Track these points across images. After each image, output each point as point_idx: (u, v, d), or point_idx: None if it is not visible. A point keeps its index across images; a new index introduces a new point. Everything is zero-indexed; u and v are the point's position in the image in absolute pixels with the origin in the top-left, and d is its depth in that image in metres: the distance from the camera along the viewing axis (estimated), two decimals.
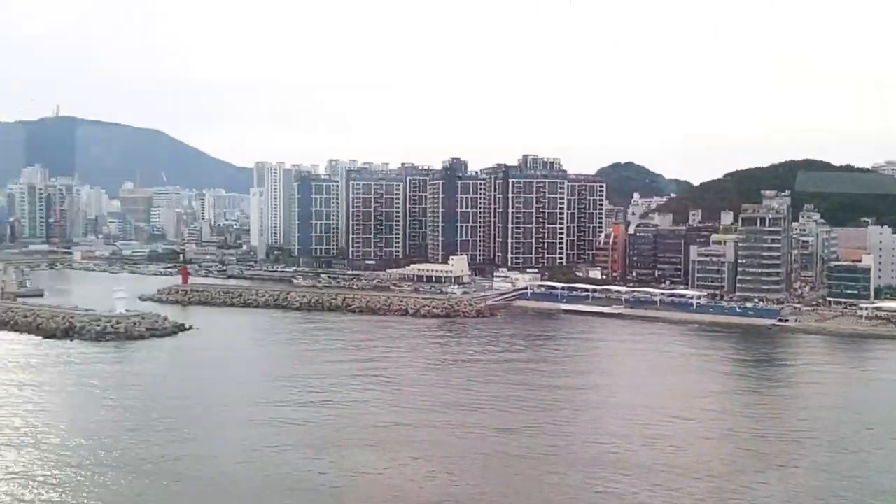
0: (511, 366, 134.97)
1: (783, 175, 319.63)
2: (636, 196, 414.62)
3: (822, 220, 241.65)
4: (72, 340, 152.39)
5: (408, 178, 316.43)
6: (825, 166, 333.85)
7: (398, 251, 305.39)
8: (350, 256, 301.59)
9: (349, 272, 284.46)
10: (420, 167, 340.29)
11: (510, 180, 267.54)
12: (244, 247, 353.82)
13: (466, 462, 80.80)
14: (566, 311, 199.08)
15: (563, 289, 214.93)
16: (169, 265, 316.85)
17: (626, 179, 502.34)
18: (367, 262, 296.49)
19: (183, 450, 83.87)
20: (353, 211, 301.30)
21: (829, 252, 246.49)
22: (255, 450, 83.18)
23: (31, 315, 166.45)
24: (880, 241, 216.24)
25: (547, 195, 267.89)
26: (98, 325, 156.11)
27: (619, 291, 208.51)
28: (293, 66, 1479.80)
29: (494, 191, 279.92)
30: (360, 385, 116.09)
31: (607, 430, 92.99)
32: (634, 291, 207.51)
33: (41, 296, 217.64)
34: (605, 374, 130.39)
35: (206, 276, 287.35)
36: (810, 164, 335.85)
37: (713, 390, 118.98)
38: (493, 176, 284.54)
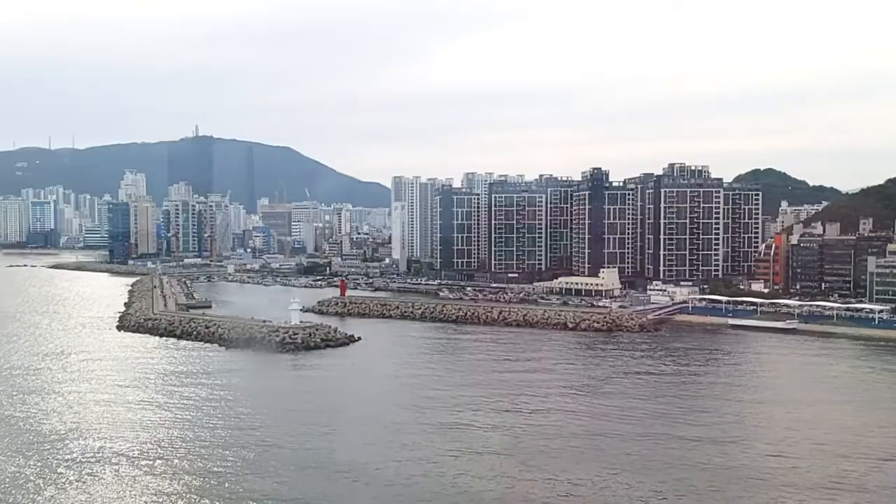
0: (699, 379, 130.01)
1: None
2: (784, 204, 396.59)
3: None
4: (253, 351, 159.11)
5: (549, 190, 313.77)
6: None
7: (540, 264, 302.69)
8: (492, 269, 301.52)
9: (493, 285, 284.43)
10: (560, 178, 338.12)
11: (662, 190, 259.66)
12: (386, 259, 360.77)
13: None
14: (734, 327, 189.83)
15: (727, 303, 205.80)
16: (318, 277, 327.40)
17: (767, 187, 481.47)
18: (510, 274, 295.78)
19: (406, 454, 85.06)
20: (495, 224, 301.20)
21: None
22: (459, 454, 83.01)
23: (212, 326, 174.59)
24: None
25: (701, 205, 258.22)
26: (277, 336, 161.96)
27: (789, 305, 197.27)
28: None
29: (643, 201, 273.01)
30: (545, 395, 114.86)
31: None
32: (807, 305, 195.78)
33: (209, 307, 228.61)
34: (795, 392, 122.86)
35: (355, 289, 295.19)
36: None
37: None
38: (640, 186, 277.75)
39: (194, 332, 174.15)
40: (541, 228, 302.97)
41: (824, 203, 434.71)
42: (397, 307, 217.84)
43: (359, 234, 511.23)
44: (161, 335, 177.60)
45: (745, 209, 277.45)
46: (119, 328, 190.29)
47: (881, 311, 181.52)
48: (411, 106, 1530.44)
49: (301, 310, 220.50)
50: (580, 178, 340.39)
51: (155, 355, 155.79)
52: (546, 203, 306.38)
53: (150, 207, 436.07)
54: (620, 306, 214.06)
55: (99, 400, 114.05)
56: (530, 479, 78.55)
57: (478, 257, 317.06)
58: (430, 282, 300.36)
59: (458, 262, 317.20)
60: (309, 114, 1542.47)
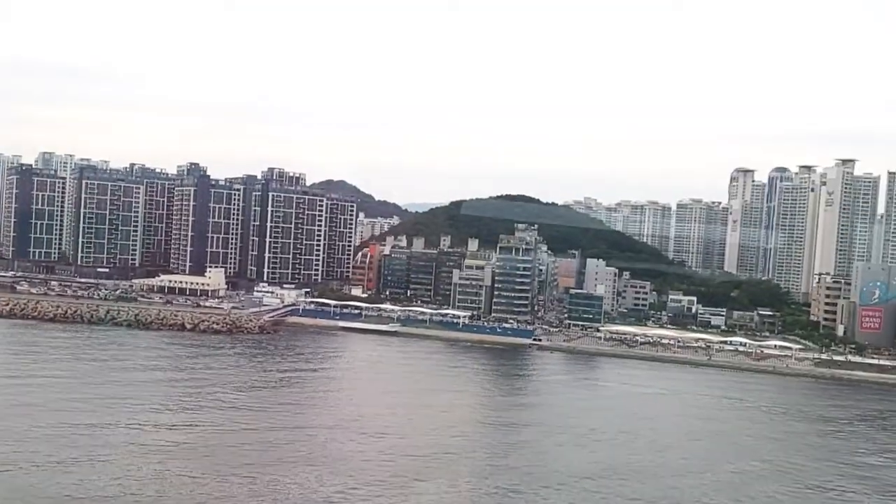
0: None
1: (501, 206, 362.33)
2: (361, 216, 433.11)
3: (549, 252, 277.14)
4: None
5: (146, 182, 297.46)
6: (533, 200, 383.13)
7: (134, 259, 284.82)
8: (78, 262, 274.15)
9: (80, 280, 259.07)
10: (157, 170, 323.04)
11: (270, 193, 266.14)
12: None
13: None
14: (344, 329, 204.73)
15: (335, 306, 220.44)
16: None
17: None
18: (99, 269, 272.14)
19: None
20: (84, 213, 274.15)
21: (552, 279, 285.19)
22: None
23: None
24: (596, 272, 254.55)
25: (306, 211, 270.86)
26: None
27: (391, 310, 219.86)
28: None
29: (247, 202, 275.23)
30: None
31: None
32: (406, 310, 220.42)
33: None
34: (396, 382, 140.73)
35: None
36: (522, 199, 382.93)
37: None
38: (245, 187, 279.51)
39: None
40: (136, 221, 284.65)
41: (395, 217, 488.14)
42: None
43: None
44: None
45: (341, 218, 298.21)
46: None
47: (464, 317, 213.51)
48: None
49: None
50: (176, 172, 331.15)
51: None
52: (143, 195, 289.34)
53: None
54: (234, 307, 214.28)
55: None
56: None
57: (59, 248, 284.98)
58: (4, 273, 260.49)
59: (35, 251, 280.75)
60: None
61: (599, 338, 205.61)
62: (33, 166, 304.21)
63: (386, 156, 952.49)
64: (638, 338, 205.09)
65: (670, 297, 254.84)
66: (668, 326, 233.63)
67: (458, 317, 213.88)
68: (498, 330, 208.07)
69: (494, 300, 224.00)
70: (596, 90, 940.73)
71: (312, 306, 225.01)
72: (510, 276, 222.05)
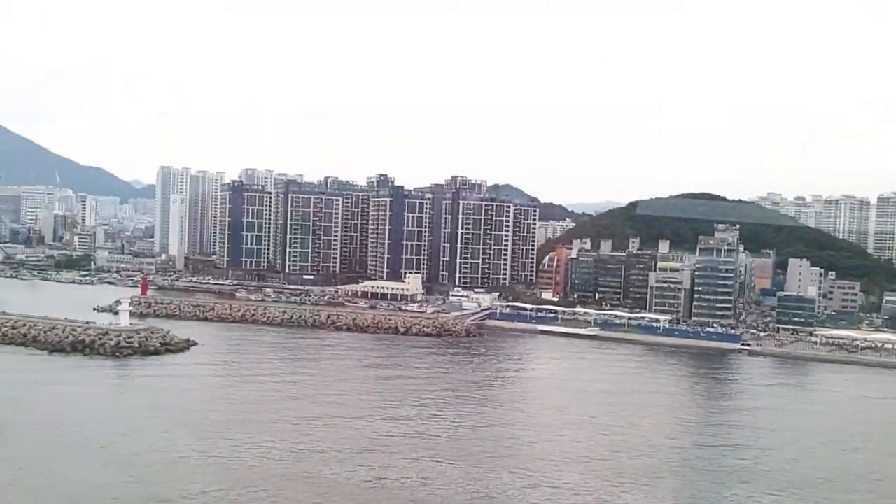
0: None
1: (682, 205, 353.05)
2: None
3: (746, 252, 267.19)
4: (85, 355, 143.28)
5: (345, 194, 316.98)
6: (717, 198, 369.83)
7: (335, 266, 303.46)
8: (286, 270, 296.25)
9: (288, 286, 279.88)
10: (352, 183, 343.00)
11: (461, 201, 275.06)
12: (163, 255, 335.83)
13: None
14: (542, 332, 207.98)
15: (531, 310, 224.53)
16: (83, 273, 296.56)
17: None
18: (305, 276, 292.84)
19: None
20: (291, 224, 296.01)
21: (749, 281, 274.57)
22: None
23: (22, 327, 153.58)
24: (799, 273, 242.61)
25: (494, 217, 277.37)
26: (110, 339, 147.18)
27: (586, 313, 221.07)
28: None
29: (436, 210, 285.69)
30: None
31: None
32: (603, 314, 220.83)
33: None
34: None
35: (135, 287, 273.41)
36: (705, 196, 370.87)
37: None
38: (435, 195, 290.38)
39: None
40: (336, 231, 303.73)
41: (567, 220, 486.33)
42: (212, 308, 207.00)
43: (104, 223, 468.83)
44: None
45: (524, 223, 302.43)
46: None
47: (664, 321, 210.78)
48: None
49: (96, 310, 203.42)
50: (366, 183, 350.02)
51: None
52: (341, 206, 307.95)
53: None
54: (436, 311, 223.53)
55: None
56: None
57: (268, 257, 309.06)
58: (221, 281, 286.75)
59: (246, 261, 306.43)
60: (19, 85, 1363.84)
61: (814, 342, 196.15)
62: (243, 182, 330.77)
63: (542, 158, 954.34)
64: (857, 342, 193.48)
65: (885, 297, 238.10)
66: (885, 330, 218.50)
67: (658, 320, 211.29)
68: (702, 334, 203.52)
69: (695, 303, 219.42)
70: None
71: (508, 310, 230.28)
72: (711, 278, 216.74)
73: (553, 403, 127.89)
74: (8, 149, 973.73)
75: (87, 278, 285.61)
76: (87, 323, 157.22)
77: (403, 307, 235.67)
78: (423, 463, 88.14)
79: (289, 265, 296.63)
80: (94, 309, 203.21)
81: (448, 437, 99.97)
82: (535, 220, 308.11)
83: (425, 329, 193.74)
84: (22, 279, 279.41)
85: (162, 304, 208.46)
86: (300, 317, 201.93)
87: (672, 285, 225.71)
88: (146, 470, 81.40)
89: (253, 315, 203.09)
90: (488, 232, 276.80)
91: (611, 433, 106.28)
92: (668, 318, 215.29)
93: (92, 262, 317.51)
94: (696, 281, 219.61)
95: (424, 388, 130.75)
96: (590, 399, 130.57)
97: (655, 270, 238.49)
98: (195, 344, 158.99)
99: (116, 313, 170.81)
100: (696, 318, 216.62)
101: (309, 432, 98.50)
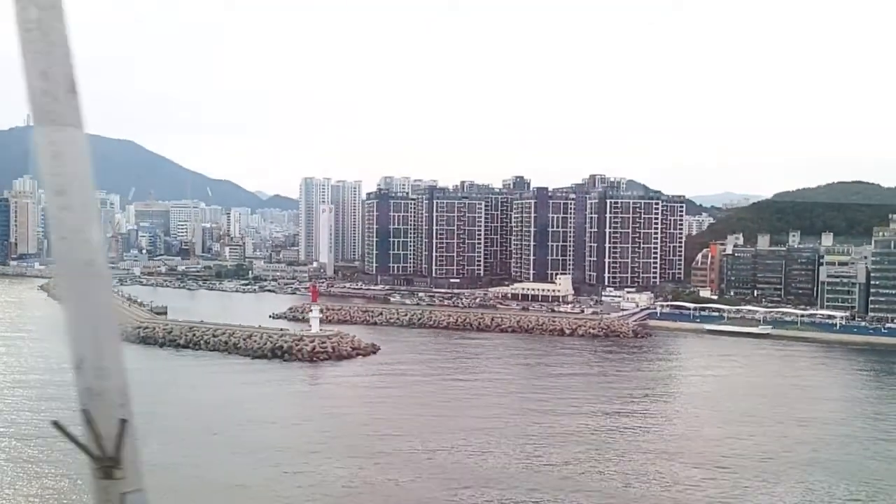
0: None
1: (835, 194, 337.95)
2: None
3: None
4: (284, 360, 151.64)
5: (487, 197, 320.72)
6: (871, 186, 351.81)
7: (479, 269, 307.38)
8: (433, 274, 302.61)
9: (435, 290, 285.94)
10: (489, 186, 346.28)
11: (608, 200, 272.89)
12: (314, 263, 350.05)
13: None
14: (710, 332, 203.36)
15: (694, 308, 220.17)
16: (243, 282, 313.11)
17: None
18: (451, 280, 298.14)
19: None
20: (436, 229, 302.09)
21: None
22: None
23: (222, 335, 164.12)
24: None
25: (643, 215, 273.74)
26: (305, 345, 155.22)
27: (754, 311, 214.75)
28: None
29: (581, 209, 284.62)
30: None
31: None
32: (771, 311, 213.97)
33: (165, 312, 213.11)
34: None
35: (294, 293, 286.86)
36: (858, 185, 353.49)
37: None
38: (578, 195, 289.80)
39: (201, 342, 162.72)
40: (479, 235, 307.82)
41: (704, 214, 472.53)
42: (381, 313, 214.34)
43: (246, 233, 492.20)
44: (160, 345, 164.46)
45: (671, 220, 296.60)
46: None
47: (840, 318, 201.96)
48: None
49: (271, 317, 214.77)
50: (502, 186, 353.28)
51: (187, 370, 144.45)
52: (483, 210, 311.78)
53: (32, 204, 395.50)
54: (594, 312, 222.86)
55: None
56: None
57: (414, 262, 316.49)
58: (373, 287, 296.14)
59: (394, 266, 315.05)
60: (154, 107, 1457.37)
61: None
62: (387, 190, 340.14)
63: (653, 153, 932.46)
64: None
65: None
66: None
67: (833, 317, 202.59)
68: (883, 330, 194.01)
69: (871, 298, 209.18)
70: None
71: (668, 309, 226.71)
72: (891, 270, 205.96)
73: (770, 403, 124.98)
74: (144, 164, 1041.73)
75: (248, 287, 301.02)
76: (281, 330, 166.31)
77: (556, 308, 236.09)
78: (662, 465, 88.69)
79: (435, 269, 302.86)
80: (270, 316, 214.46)
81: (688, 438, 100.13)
82: (681, 216, 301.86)
83: (591, 330, 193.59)
84: (188, 289, 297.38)
85: (333, 310, 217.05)
86: (464, 320, 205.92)
87: (845, 279, 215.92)
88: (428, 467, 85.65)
89: (420, 319, 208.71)
90: (637, 230, 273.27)
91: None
92: (843, 314, 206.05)
93: (249, 272, 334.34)
94: (873, 274, 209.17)
95: (623, 387, 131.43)
96: (799, 399, 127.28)
97: (821, 264, 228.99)
98: (379, 348, 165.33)
99: (305, 320, 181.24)
100: (873, 314, 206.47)
101: (530, 433, 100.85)
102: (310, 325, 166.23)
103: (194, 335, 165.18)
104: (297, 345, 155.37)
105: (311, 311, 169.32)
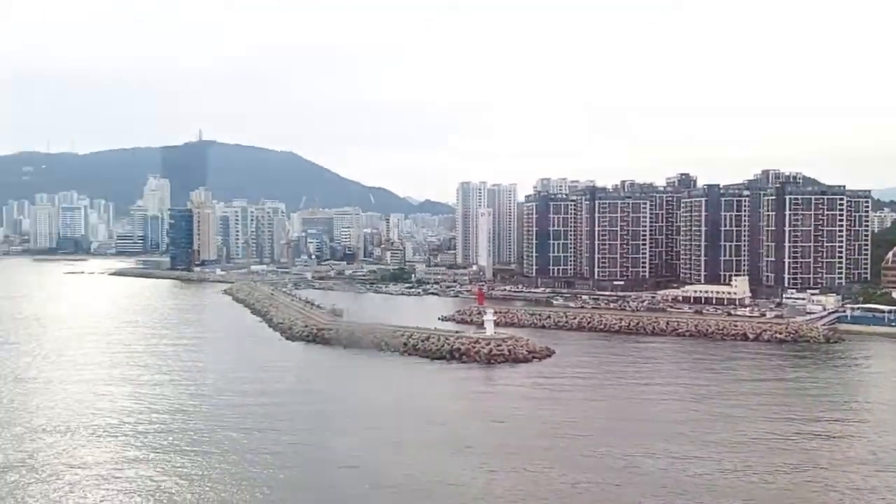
0: None
1: None
2: None
3: None
4: (462, 362, 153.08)
5: (652, 197, 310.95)
6: None
7: (644, 271, 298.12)
8: (595, 277, 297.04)
9: (598, 293, 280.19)
10: (644, 184, 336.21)
11: (786, 197, 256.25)
12: (473, 266, 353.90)
13: None
14: None
15: (889, 311, 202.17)
16: (408, 285, 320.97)
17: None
18: (615, 282, 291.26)
19: None
20: (598, 230, 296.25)
21: None
22: None
23: (398, 336, 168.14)
24: None
25: (825, 212, 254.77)
26: (483, 348, 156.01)
27: None
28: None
29: (757, 207, 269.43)
30: None
31: None
32: None
33: (342, 315, 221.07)
34: None
35: (456, 297, 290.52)
36: None
37: None
38: (752, 192, 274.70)
39: (382, 343, 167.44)
40: (644, 235, 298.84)
41: (886, 210, 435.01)
42: (549, 317, 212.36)
43: (406, 238, 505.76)
44: (344, 346, 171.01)
45: (855, 216, 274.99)
46: (288, 339, 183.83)
47: None
48: (406, 112, 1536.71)
49: (441, 319, 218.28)
50: (665, 184, 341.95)
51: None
52: (648, 210, 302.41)
53: (211, 214, 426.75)
54: (777, 315, 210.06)
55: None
56: None
57: (575, 264, 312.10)
58: (534, 289, 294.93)
59: (554, 269, 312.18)
60: (312, 119, 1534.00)
61: None
62: (547, 192, 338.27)
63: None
64: None
65: None
66: None
67: None
68: None
69: None
70: None
71: (859, 312, 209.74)
72: None
73: None
74: (304, 173, 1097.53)
75: (412, 290, 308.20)
76: (457, 332, 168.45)
77: (733, 312, 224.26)
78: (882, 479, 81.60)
79: (598, 272, 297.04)
80: (439, 318, 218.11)
81: None
82: (866, 211, 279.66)
83: (777, 335, 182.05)
84: (357, 292, 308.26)
85: (501, 312, 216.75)
86: (636, 323, 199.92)
87: None
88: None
89: (589, 322, 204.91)
90: (819, 228, 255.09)
91: None
92: None
93: (412, 275, 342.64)
94: None
95: (820, 394, 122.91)
96: None
97: None
98: (554, 351, 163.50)
99: (472, 322, 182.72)
100: None
101: (728, 440, 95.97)
102: (483, 328, 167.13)
103: (375, 336, 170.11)
104: (473, 347, 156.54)
105: (484, 314, 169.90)
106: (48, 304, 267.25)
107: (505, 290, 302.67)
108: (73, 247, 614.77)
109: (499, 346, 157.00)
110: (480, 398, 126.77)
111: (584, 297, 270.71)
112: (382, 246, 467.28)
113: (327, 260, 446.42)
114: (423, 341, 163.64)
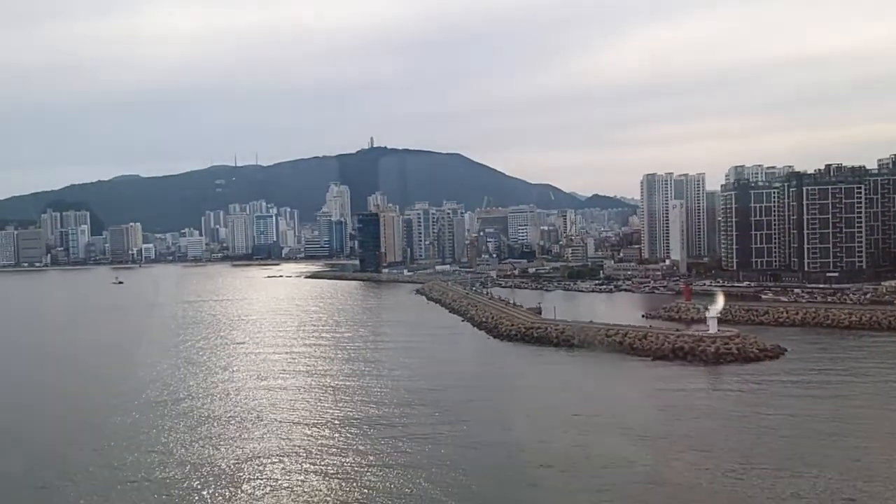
0: None
1: None
2: None
3: None
4: (686, 361, 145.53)
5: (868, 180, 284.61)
6: None
7: (860, 262, 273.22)
8: (805, 269, 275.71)
9: (808, 285, 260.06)
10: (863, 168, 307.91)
11: None
12: (666, 261, 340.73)
13: None
14: None
15: None
16: (597, 282, 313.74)
17: None
18: (828, 274, 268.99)
19: None
20: (808, 219, 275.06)
21: None
22: None
23: (612, 335, 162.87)
24: None
25: None
26: (709, 347, 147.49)
27: None
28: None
29: None
30: None
31: None
32: None
33: (540, 312, 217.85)
34: None
35: (652, 293, 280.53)
36: None
37: None
38: None
39: (595, 341, 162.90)
40: (859, 222, 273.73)
41: None
42: (766, 312, 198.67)
43: (587, 233, 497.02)
44: (555, 345, 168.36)
45: None
46: (495, 337, 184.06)
47: None
48: (571, 105, 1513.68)
49: (644, 316, 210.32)
50: (878, 166, 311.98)
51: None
52: (863, 194, 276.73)
53: (395, 217, 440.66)
54: None
55: None
56: None
57: (779, 256, 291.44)
58: (737, 283, 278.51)
59: (756, 261, 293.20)
60: (475, 120, 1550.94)
61: None
62: (746, 181, 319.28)
63: None
64: None
65: None
66: None
67: None
68: None
69: None
70: None
71: None
72: None
73: None
74: (471, 174, 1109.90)
75: (604, 287, 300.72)
76: (677, 330, 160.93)
77: None
78: None
79: (808, 263, 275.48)
80: (643, 316, 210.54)
81: None
82: None
83: None
84: (546, 290, 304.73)
85: None
86: (871, 318, 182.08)
87: None
88: None
89: (815, 317, 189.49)
90: None
91: None
92: None
93: (600, 271, 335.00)
94: None
95: None
96: None
97: None
98: (785, 350, 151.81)
99: (680, 319, 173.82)
100: None
101: None
102: (706, 326, 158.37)
103: (587, 335, 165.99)
104: (698, 346, 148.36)
105: (707, 311, 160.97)
106: (270, 302, 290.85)
107: (704, 284, 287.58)
108: (266, 252, 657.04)
109: (726, 344, 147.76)
110: (727, 397, 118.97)
111: (796, 290, 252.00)
112: (562, 242, 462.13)
113: (507, 258, 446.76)
114: (640, 340, 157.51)
